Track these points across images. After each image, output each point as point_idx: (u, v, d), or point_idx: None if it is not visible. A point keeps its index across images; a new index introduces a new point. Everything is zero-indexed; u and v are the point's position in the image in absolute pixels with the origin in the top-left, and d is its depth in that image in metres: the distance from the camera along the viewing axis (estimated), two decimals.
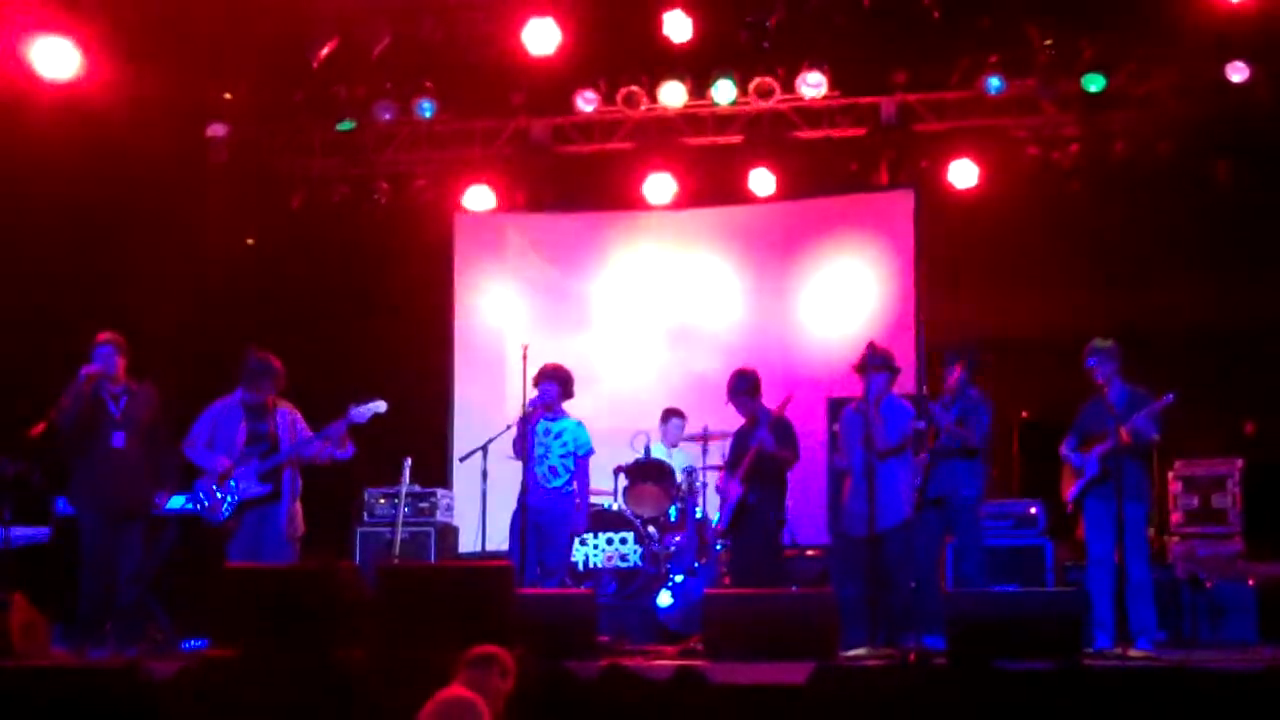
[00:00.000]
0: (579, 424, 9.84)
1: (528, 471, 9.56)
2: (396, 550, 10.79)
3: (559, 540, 9.70)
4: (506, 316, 12.94)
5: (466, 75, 12.30)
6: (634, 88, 12.28)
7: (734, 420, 10.01)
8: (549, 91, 12.41)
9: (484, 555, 10.06)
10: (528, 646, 6.39)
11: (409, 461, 10.79)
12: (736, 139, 12.65)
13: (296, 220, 12.94)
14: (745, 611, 8.41)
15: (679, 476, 10.86)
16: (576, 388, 9.87)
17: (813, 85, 12.03)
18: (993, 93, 11.77)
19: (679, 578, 10.31)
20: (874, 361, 9.10)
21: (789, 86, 12.14)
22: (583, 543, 10.93)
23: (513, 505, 9.61)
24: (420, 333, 12.98)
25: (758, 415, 9.70)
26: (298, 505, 9.12)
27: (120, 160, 11.18)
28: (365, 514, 11.57)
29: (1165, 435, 8.88)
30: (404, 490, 10.89)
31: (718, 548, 10.42)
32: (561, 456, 9.72)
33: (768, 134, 12.52)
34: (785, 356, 12.31)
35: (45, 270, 11.28)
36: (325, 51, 11.71)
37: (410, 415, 10.44)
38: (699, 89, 12.24)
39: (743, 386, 9.77)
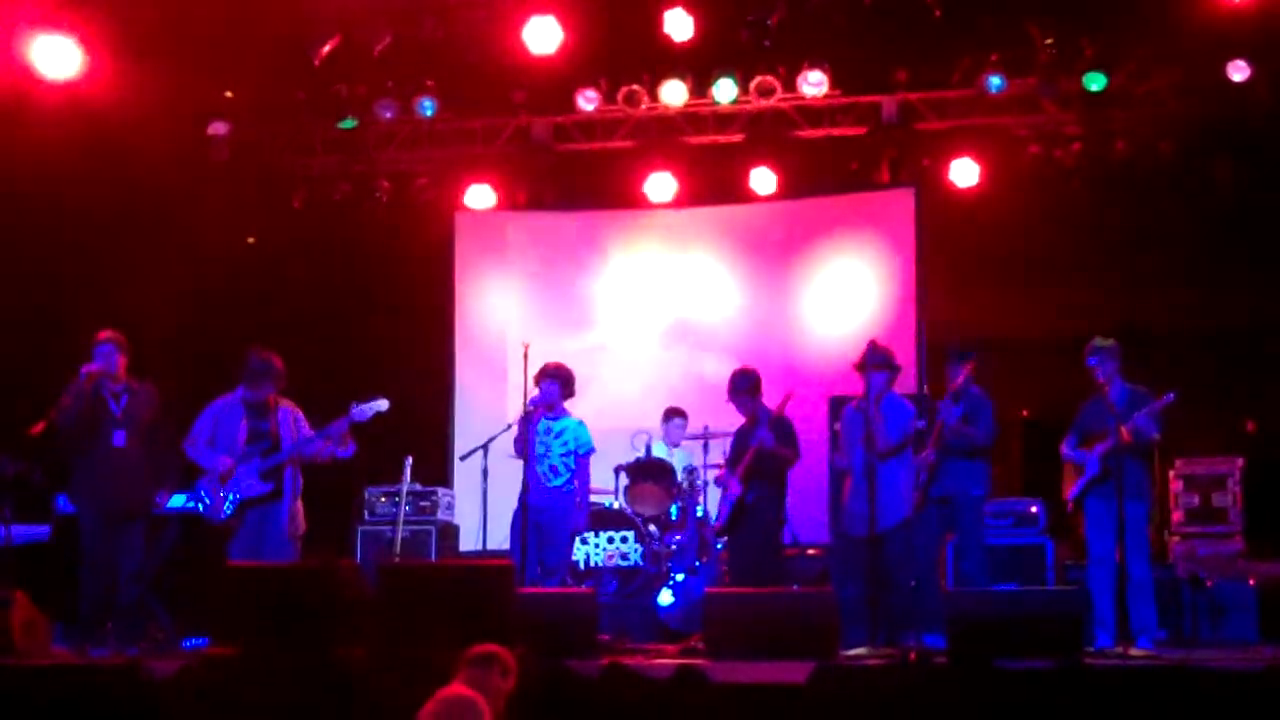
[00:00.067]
0: (580, 423, 9.83)
1: (528, 470, 9.56)
2: (397, 549, 10.80)
3: (560, 539, 9.70)
4: (507, 315, 12.94)
5: (468, 74, 12.30)
6: (635, 86, 12.28)
7: (735, 419, 10.01)
8: (550, 90, 12.41)
9: (485, 554, 10.06)
10: (528, 645, 6.39)
11: (410, 460, 10.79)
12: (737, 138, 12.65)
13: (297, 219, 12.95)
14: (746, 610, 8.41)
15: (680, 475, 10.87)
16: (577, 386, 9.87)
17: (814, 84, 12.03)
18: (994, 91, 11.77)
19: (680, 576, 10.32)
20: (874, 360, 9.09)
21: (790, 85, 12.13)
22: (583, 541, 10.93)
23: (513, 504, 9.61)
24: (421, 331, 13.00)
25: (758, 414, 9.70)
26: (299, 504, 9.12)
27: (120, 159, 11.19)
28: (366, 512, 11.59)
29: (1166, 434, 8.88)
30: (405, 489, 10.89)
31: (718, 546, 10.42)
32: (562, 455, 9.72)
33: (769, 133, 12.52)
34: (786, 355, 12.31)
35: (45, 270, 11.28)
36: (326, 50, 11.71)
37: (411, 414, 10.45)
38: (700, 88, 12.24)
39: (743, 385, 9.77)
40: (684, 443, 11.24)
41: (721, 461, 10.44)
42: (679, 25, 11.36)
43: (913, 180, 12.36)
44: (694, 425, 11.13)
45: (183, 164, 12.16)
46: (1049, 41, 11.45)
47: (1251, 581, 9.96)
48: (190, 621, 9.58)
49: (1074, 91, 11.67)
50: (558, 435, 9.74)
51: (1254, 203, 11.35)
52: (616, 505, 11.00)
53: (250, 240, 12.94)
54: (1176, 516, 10.65)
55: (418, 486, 11.38)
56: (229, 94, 12.52)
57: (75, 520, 9.14)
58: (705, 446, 10.87)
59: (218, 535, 9.08)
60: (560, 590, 9.42)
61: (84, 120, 10.61)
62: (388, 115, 12.48)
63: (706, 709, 6.61)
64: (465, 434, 11.92)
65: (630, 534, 10.99)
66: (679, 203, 12.85)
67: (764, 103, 12.31)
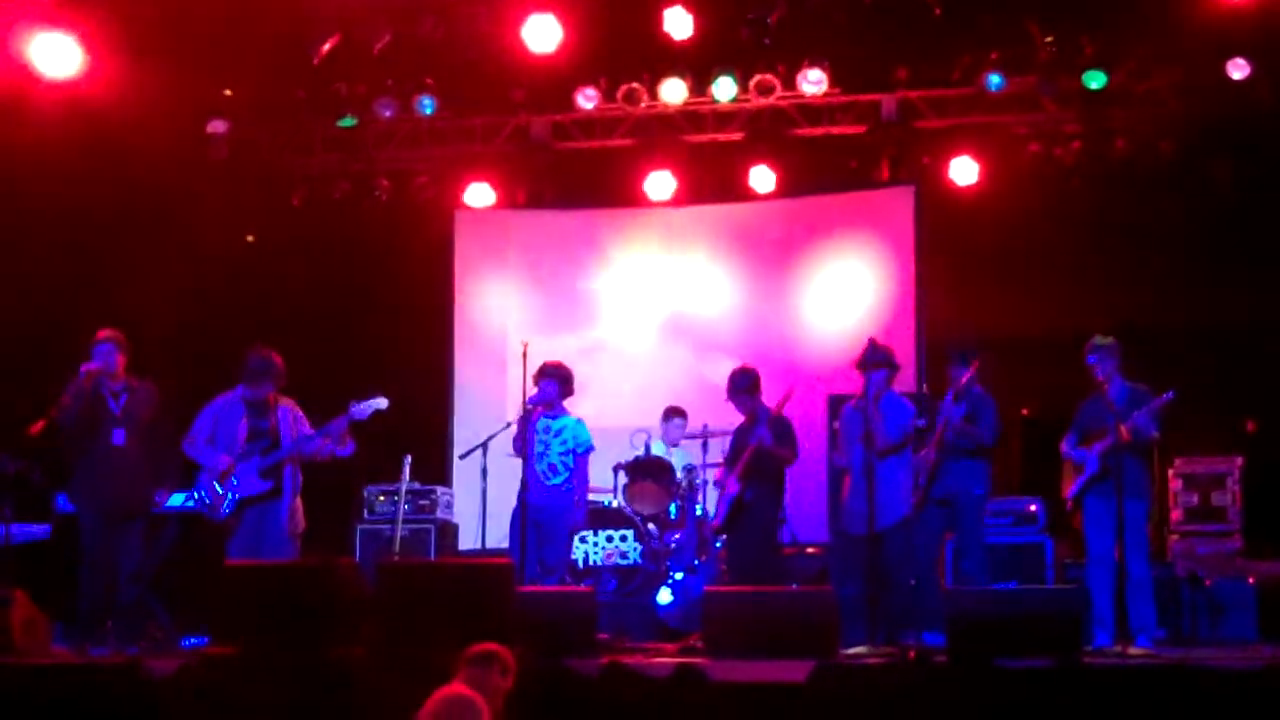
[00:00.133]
0: (579, 421, 9.84)
1: (528, 469, 9.56)
2: (396, 547, 10.80)
3: (559, 538, 9.70)
4: (507, 313, 12.95)
5: (467, 72, 12.30)
6: (634, 85, 12.28)
7: (734, 418, 10.01)
8: (549, 88, 12.41)
9: (484, 553, 10.07)
10: (528, 644, 6.39)
11: (409, 459, 10.80)
12: (737, 136, 12.65)
13: (297, 217, 12.95)
14: (745, 609, 8.41)
15: (679, 474, 10.86)
16: (577, 385, 9.88)
17: (813, 82, 12.03)
18: (994, 90, 11.77)
19: (679, 575, 10.31)
20: (874, 358, 9.09)
21: (790, 83, 12.13)
22: (583, 540, 10.94)
23: (513, 503, 9.61)
24: (421, 329, 13.00)
25: (757, 413, 9.70)
26: (298, 502, 9.11)
27: (120, 157, 11.19)
28: (365, 511, 11.59)
29: (1165, 433, 8.87)
30: (404, 487, 10.90)
31: (717, 545, 10.42)
32: (561, 454, 9.72)
33: (768, 131, 12.51)
34: (786, 354, 12.31)
35: (45, 269, 11.28)
36: (326, 48, 11.71)
37: (411, 412, 10.44)
38: (699, 86, 12.24)
39: (743, 384, 9.77)
40: (683, 442, 11.23)
41: (721, 460, 10.44)
42: (678, 23, 11.36)
43: (912, 179, 12.37)
44: (693, 424, 11.13)
45: (182, 163, 12.16)
46: (1049, 40, 11.45)
47: (1250, 580, 9.97)
48: (190, 620, 9.58)
49: (1074, 90, 11.66)
50: (557, 434, 9.74)
51: (1254, 202, 11.35)
52: (615, 504, 11.00)
53: (250, 239, 12.95)
54: (1176, 515, 10.66)
55: (417, 485, 11.39)
56: (228, 92, 12.52)
57: (75, 519, 9.15)
58: (704, 445, 10.86)
59: (217, 534, 9.08)
60: (559, 589, 9.41)
61: (83, 119, 10.60)
62: (387, 114, 12.48)
63: (706, 708, 6.61)
64: (464, 433, 11.92)
65: (629, 533, 10.99)
66: (678, 201, 12.85)
67: (763, 101, 12.31)
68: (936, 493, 9.17)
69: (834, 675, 6.72)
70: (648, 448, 11.11)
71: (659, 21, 11.36)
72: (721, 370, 10.43)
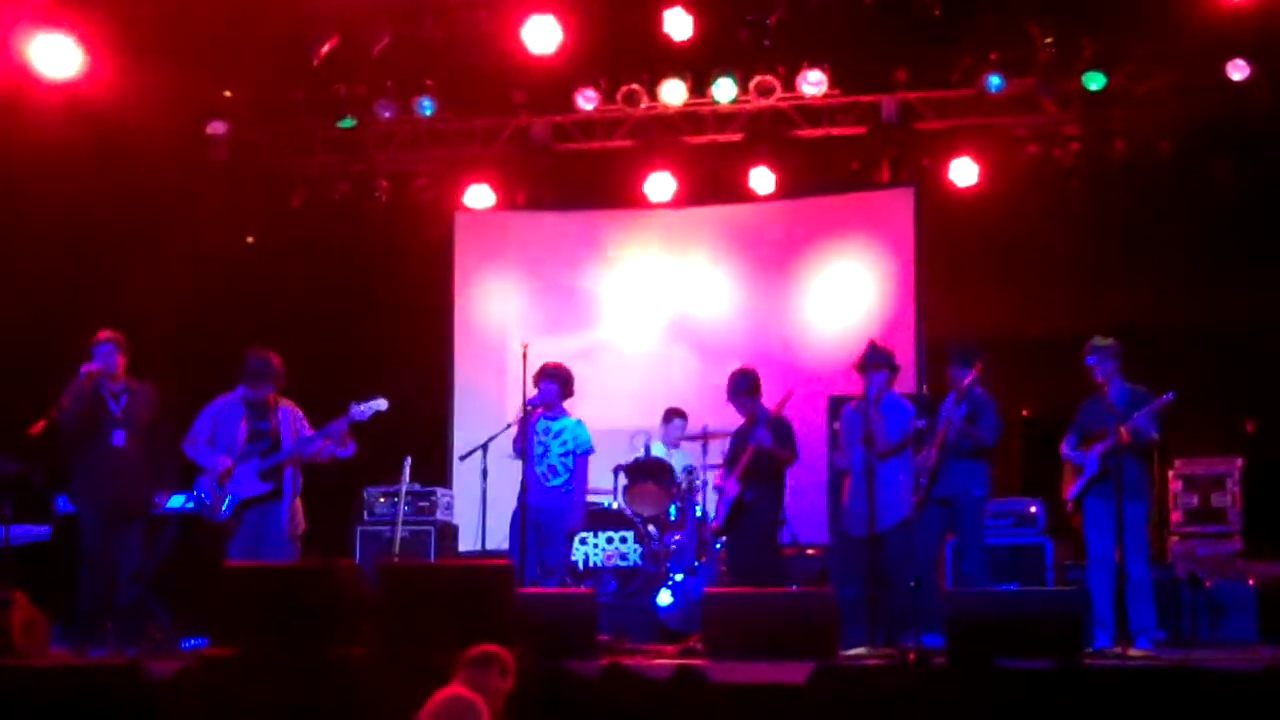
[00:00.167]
0: (579, 423, 9.83)
1: (527, 470, 9.56)
2: (396, 549, 10.80)
3: (559, 539, 9.69)
4: (507, 315, 12.95)
5: (467, 73, 12.30)
6: (634, 86, 12.28)
7: (734, 419, 10.00)
8: (549, 90, 12.41)
9: (484, 554, 10.05)
10: (527, 646, 6.38)
11: (409, 460, 10.79)
12: (737, 137, 12.65)
13: (297, 219, 12.95)
14: (745, 611, 8.41)
15: (679, 475, 10.86)
16: (576, 386, 9.87)
17: (813, 83, 12.03)
18: (993, 91, 11.77)
19: (679, 576, 10.31)
20: (874, 359, 9.10)
21: (789, 85, 12.13)
22: (583, 542, 10.93)
23: (512, 504, 9.60)
24: (420, 331, 13.00)
25: (757, 414, 9.69)
26: (298, 503, 9.11)
27: (120, 158, 11.20)
28: (365, 512, 11.58)
29: (1165, 434, 8.88)
30: (404, 489, 10.89)
31: (717, 546, 10.42)
32: (561, 455, 9.71)
33: (768, 132, 12.51)
34: (786, 355, 12.31)
35: (45, 269, 11.27)
36: (326, 49, 11.71)
37: (410, 414, 10.43)
38: (699, 87, 12.24)
39: (743, 386, 9.76)
40: (683, 443, 11.23)
41: (721, 462, 10.43)
42: (678, 24, 11.36)
43: (912, 180, 12.37)
44: (693, 425, 11.13)
45: (182, 163, 12.17)
46: (1048, 41, 11.45)
47: (1250, 581, 9.96)
48: (189, 621, 9.56)
49: (1073, 91, 11.66)
50: (556, 435, 9.74)
51: (1254, 202, 11.35)
52: (615, 505, 11.00)
53: (249, 240, 12.95)
54: (1176, 516, 10.65)
55: (417, 486, 11.38)
56: (228, 93, 12.51)
57: (75, 520, 9.14)
58: (704, 447, 10.86)
59: (217, 535, 9.08)
60: (559, 590, 9.41)
61: (83, 119, 10.60)
62: (387, 115, 12.48)
63: (706, 709, 6.60)
64: (464, 434, 11.91)
65: (629, 534, 11.00)
66: (678, 202, 12.85)
67: (763, 102, 12.31)
68: (936, 494, 9.17)
69: (834, 677, 6.72)
70: (648, 449, 11.10)
71: (659, 23, 11.37)
72: (721, 372, 10.41)
